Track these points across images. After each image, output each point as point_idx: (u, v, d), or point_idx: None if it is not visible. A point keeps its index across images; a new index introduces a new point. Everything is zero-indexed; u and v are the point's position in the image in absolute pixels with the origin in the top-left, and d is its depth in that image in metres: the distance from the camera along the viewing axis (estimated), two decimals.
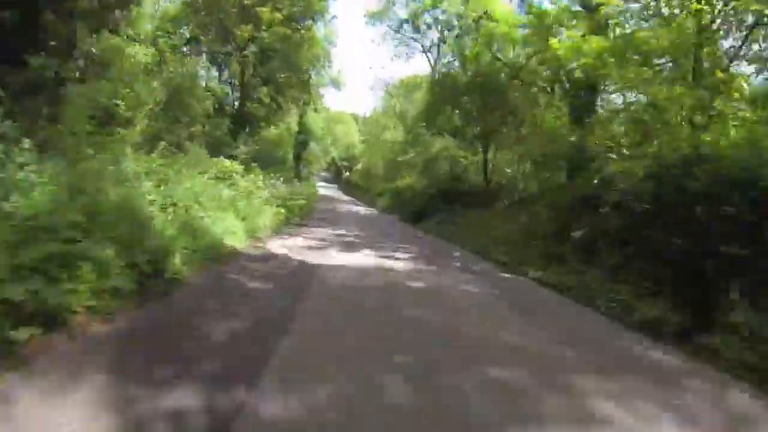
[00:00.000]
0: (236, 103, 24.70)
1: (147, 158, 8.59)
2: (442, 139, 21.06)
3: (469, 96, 17.42)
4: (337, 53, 68.62)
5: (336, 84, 43.52)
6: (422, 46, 37.97)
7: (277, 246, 8.75)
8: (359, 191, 42.00)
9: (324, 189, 44.58)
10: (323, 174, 61.13)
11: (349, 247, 9.59)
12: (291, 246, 8.88)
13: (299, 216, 15.01)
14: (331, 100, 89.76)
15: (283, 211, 12.53)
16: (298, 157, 22.52)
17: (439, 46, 35.93)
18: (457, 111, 18.59)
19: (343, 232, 12.51)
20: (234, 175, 12.24)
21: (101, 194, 5.36)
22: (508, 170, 20.67)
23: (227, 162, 12.67)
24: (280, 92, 24.20)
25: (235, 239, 8.34)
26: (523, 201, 18.26)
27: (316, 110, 40.92)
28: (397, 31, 38.22)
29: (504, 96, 17.66)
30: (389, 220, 21.29)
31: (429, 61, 37.40)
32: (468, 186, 20.39)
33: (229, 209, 9.53)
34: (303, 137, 22.52)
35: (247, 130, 25.33)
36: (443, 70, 21.92)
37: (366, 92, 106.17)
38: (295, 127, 36.45)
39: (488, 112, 17.47)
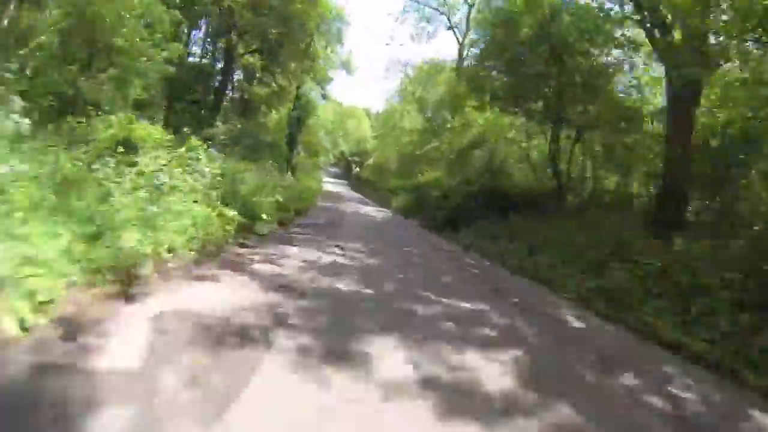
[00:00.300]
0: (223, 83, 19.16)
1: None
2: (485, 115, 15.24)
3: (536, 51, 11.63)
4: (349, 34, 63.06)
5: (347, 67, 38.10)
6: (448, 20, 32.35)
7: (136, 326, 3.13)
8: (370, 188, 36.39)
9: (331, 185, 39.06)
10: (332, 170, 55.71)
11: (339, 337, 3.34)
12: (167, 324, 3.23)
13: (275, 220, 9.51)
14: (343, 95, 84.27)
15: (232, 213, 6.94)
16: (291, 140, 16.99)
17: (468, 17, 30.26)
18: (505, 75, 12.77)
19: (336, 258, 6.80)
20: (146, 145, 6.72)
21: None
22: (563, 166, 14.85)
23: (143, 125, 7.12)
24: (274, 59, 18.62)
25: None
26: (596, 205, 12.54)
27: (324, 96, 35.85)
28: (418, 2, 32.66)
29: (581, 53, 11.91)
30: (409, 226, 15.58)
31: (456, 35, 31.68)
32: (511, 182, 14.68)
33: (61, 210, 4.01)
34: (298, 113, 16.98)
35: (244, 114, 19.97)
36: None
37: (379, 87, 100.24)
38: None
39: (562, 77, 11.71)
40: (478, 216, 13.06)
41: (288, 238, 8.19)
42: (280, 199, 9.35)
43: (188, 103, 17.75)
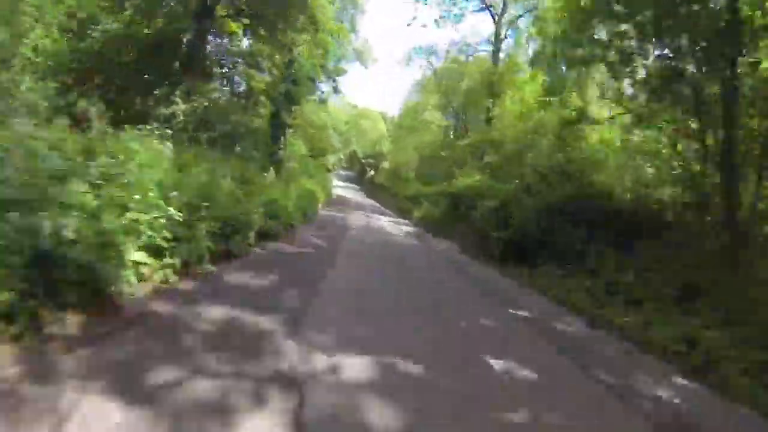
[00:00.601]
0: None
1: None
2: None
3: None
4: (364, 24, 58.65)
5: (361, 58, 33.41)
6: None
7: None
8: (385, 194, 31.23)
9: (342, 189, 34.13)
10: (345, 173, 50.87)
11: None
12: None
13: (200, 258, 4.44)
14: (356, 97, 79.93)
15: None
16: (276, 124, 11.77)
17: None
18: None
19: None
20: None
21: None
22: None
23: None
24: (263, 19, 13.64)
25: None
26: None
27: (336, 89, 31.47)
28: None
29: None
30: (452, 257, 10.23)
31: (492, 14, 26.33)
32: (596, 195, 9.20)
33: None
34: (287, 87, 11.78)
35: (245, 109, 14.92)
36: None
37: (396, 87, 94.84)
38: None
39: None
40: (571, 243, 7.71)
41: (166, 333, 2.99)
42: (178, 217, 4.14)
43: (167, 82, 12.65)
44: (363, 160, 45.83)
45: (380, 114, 51.07)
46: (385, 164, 36.10)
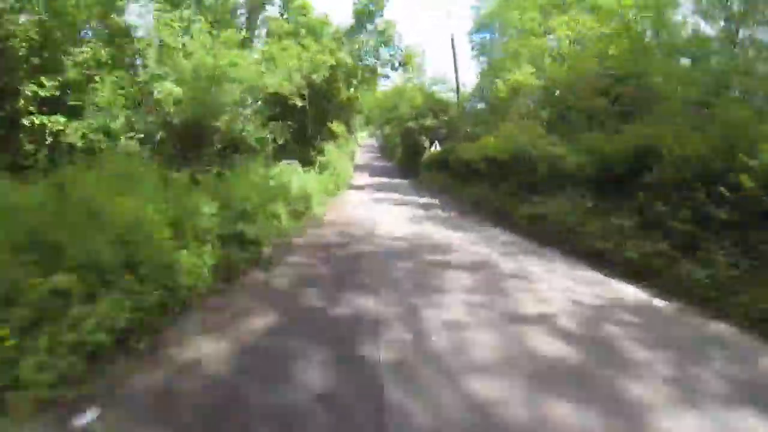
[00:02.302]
0: None
1: None
2: None
3: None
4: None
5: None
6: None
7: None
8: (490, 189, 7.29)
9: (367, 193, 11.72)
10: (378, 163, 28.10)
11: None
12: None
13: None
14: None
15: None
16: None
17: None
18: None
19: None
20: None
21: None
22: None
23: None
24: None
25: None
26: None
27: None
28: None
29: None
30: None
31: None
32: None
33: None
34: None
35: None
36: None
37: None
38: None
39: None
40: None
41: None
42: None
43: None
44: (409, 123, 21.92)
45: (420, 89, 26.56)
46: (504, 81, 11.82)
